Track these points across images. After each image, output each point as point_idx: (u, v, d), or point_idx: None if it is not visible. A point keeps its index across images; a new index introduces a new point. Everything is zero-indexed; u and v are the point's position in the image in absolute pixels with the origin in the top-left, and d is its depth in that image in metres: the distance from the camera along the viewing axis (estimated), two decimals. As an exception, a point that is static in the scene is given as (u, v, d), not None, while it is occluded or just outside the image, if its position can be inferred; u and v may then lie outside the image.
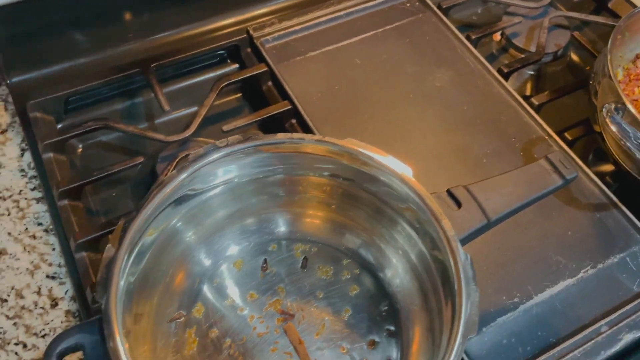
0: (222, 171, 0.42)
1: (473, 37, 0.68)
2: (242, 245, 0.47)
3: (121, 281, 0.34)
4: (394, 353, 0.44)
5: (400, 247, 0.44)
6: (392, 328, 0.45)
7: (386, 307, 0.46)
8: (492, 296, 0.48)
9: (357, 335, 0.45)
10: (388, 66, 0.64)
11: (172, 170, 0.40)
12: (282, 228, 0.48)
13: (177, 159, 0.55)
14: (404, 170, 0.40)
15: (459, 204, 0.40)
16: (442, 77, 0.63)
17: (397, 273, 0.45)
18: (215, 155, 0.40)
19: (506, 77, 0.65)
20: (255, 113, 0.60)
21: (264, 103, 0.62)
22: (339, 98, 0.61)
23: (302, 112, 0.59)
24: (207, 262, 0.46)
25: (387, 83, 0.63)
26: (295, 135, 0.41)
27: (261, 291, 0.47)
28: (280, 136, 0.41)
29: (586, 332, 0.46)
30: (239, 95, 0.66)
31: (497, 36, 0.72)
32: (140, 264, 0.39)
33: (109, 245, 0.36)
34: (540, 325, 0.47)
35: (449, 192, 0.41)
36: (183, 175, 0.39)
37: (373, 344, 0.45)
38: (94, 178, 0.54)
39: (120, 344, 0.32)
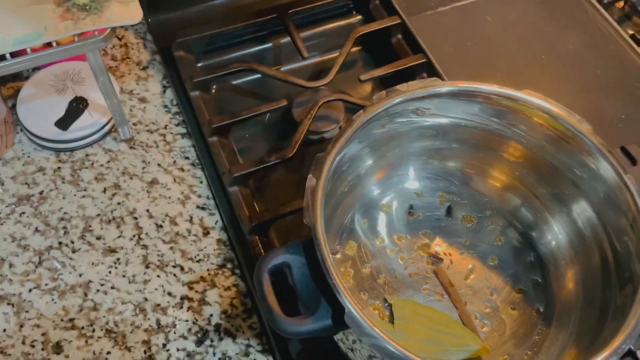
0: (409, 114, 0.44)
1: (605, 0, 0.67)
2: (413, 186, 0.49)
3: (322, 206, 0.37)
4: (542, 303, 0.46)
5: (568, 214, 0.45)
6: (539, 279, 0.47)
7: (532, 259, 0.48)
8: None
9: (504, 283, 0.47)
10: (519, 26, 0.64)
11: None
12: (446, 177, 0.50)
13: (319, 105, 0.57)
14: (584, 125, 0.41)
15: (633, 161, 0.41)
16: (575, 40, 0.63)
17: (554, 235, 0.46)
18: (401, 99, 0.41)
19: (639, 43, 0.64)
20: (391, 64, 0.61)
21: (388, 55, 0.63)
22: (471, 55, 0.62)
23: (437, 66, 0.60)
24: (375, 192, 0.48)
25: (519, 42, 0.63)
26: (473, 83, 0.42)
27: (409, 234, 0.49)
28: (458, 83, 0.42)
29: None
30: (359, 47, 0.67)
31: (621, 3, 0.71)
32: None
33: (310, 175, 0.38)
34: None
35: (622, 149, 0.41)
36: (372, 114, 0.41)
37: (520, 292, 0.47)
38: (242, 117, 0.56)
39: (332, 264, 0.34)
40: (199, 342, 0.48)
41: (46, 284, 0.50)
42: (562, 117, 0.42)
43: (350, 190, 0.47)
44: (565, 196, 0.45)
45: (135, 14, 0.48)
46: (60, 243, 0.52)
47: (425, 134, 0.47)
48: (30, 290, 0.49)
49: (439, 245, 0.49)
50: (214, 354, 0.47)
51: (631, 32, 0.64)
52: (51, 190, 0.54)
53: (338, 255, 0.47)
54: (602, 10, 0.65)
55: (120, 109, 0.54)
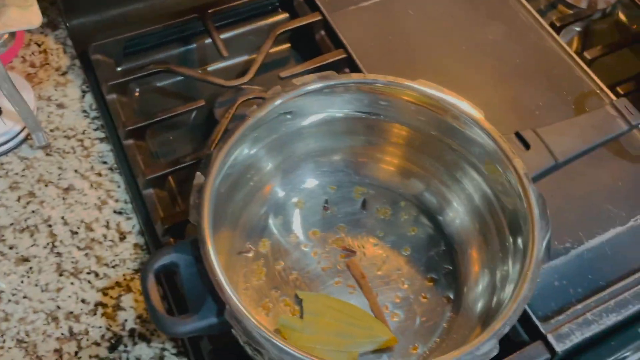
0: (308, 105, 0.44)
1: (526, -10, 0.68)
2: (315, 183, 0.49)
3: (211, 204, 0.36)
4: (452, 290, 0.46)
5: (463, 190, 0.46)
6: (450, 267, 0.47)
7: (444, 248, 0.48)
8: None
9: (416, 272, 0.47)
10: (441, 18, 0.64)
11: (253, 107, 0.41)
12: (346, 170, 0.50)
13: (237, 103, 0.57)
14: (475, 112, 0.41)
15: (527, 146, 0.41)
16: (495, 30, 0.64)
17: (457, 215, 0.46)
18: (308, 88, 0.41)
19: (558, 31, 0.65)
20: (310, 60, 0.61)
21: (314, 52, 0.63)
22: (392, 48, 0.62)
23: (357, 61, 0.60)
24: (277, 195, 0.48)
25: (440, 34, 0.63)
26: (369, 75, 0.43)
27: (323, 229, 0.49)
28: (355, 76, 0.42)
29: (636, 275, 0.48)
30: (288, 45, 0.67)
31: (546, -8, 0.72)
32: (223, 194, 0.41)
33: (198, 173, 0.38)
34: (590, 270, 0.49)
35: (517, 135, 0.42)
36: (267, 109, 0.41)
37: (432, 281, 0.47)
38: (158, 119, 0.55)
39: (215, 261, 0.34)
40: (112, 349, 0.47)
41: (-45, 297, 0.48)
42: (454, 106, 0.42)
43: (255, 190, 0.46)
44: (457, 172, 0.45)
45: (34, 18, 0.47)
46: (-30, 254, 0.50)
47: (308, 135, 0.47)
48: (-63, 304, 0.48)
49: (353, 238, 0.48)
50: (127, 359, 0.47)
51: (552, 20, 0.65)
52: (-37, 200, 0.53)
53: (250, 254, 0.47)
54: (524, 1, 0.66)
55: (31, 115, 0.53)
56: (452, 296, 0.45)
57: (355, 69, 0.60)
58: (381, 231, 0.49)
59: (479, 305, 0.43)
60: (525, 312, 0.46)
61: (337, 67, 0.61)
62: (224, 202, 0.44)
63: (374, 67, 0.60)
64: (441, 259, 0.47)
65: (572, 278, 0.49)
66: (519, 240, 0.39)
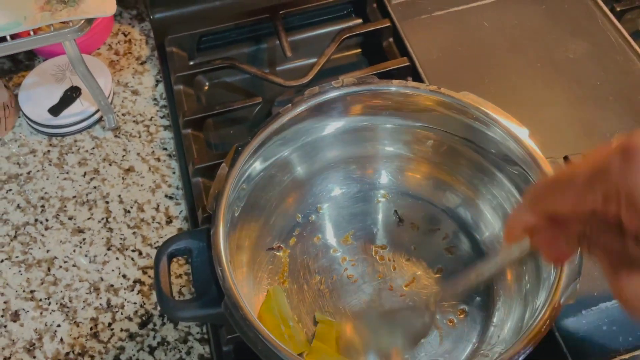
0: (336, 112, 0.43)
1: (618, 9, 0.62)
2: (344, 190, 0.48)
3: (231, 195, 0.37)
4: (480, 315, 0.43)
5: (501, 209, 0.43)
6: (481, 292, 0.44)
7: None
8: (597, 279, 0.46)
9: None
10: (518, 31, 0.61)
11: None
12: (384, 179, 0.49)
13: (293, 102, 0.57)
14: (520, 131, 0.38)
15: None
16: (577, 49, 0.59)
17: (495, 235, 0.44)
18: (332, 95, 0.41)
19: (650, 54, 0.59)
20: (371, 67, 0.60)
21: (381, 59, 0.62)
22: (460, 59, 0.60)
23: (419, 69, 0.58)
24: (309, 199, 0.47)
25: (514, 49, 0.60)
26: (410, 83, 0.41)
27: (356, 237, 0.48)
28: (396, 82, 0.41)
29: (700, 333, 0.43)
30: (359, 51, 0.67)
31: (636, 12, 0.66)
32: (248, 190, 0.41)
33: (223, 164, 0.38)
34: (647, 318, 0.44)
35: (566, 159, 0.39)
36: (296, 110, 0.41)
37: (462, 313, 0.44)
38: (215, 112, 0.57)
39: (223, 251, 0.34)
40: (143, 325, 0.49)
41: (17, 257, 0.53)
42: (498, 122, 0.39)
43: (287, 190, 0.46)
44: (495, 188, 0.43)
45: (108, 7, 0.51)
46: (36, 220, 0.55)
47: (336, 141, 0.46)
48: (2, 261, 0.53)
49: (384, 250, 0.47)
50: (154, 337, 0.48)
51: (643, 42, 0.59)
52: (38, 171, 0.58)
53: (279, 253, 0.47)
54: (613, 19, 0.61)
55: (103, 98, 0.57)
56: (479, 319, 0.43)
57: (417, 77, 0.59)
58: (415, 246, 0.47)
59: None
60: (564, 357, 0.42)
61: (399, 75, 0.60)
62: (259, 196, 0.45)
63: (437, 77, 0.58)
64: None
65: (624, 324, 0.44)
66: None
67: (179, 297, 0.50)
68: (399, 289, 0.45)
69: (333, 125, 0.45)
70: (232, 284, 0.33)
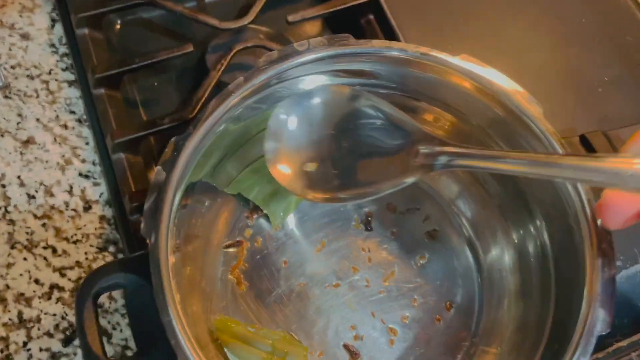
0: (299, 82, 0.34)
1: None
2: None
3: (173, 210, 0.27)
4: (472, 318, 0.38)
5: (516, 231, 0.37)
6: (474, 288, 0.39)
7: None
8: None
9: (430, 288, 0.39)
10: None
11: (238, 78, 0.31)
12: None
13: (233, 52, 0.46)
14: (536, 106, 0.31)
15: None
16: (559, -19, 0.52)
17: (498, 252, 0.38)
18: (295, 61, 0.31)
19: (638, -14, 0.52)
20: (326, 3, 0.49)
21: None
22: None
23: (384, 6, 0.49)
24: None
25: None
26: (395, 43, 0.32)
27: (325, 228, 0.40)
28: (376, 43, 0.32)
29: (699, 312, 0.40)
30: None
31: None
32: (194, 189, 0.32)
33: (158, 168, 0.29)
34: (642, 296, 0.41)
35: (582, 138, 0.32)
36: (250, 85, 0.31)
37: (450, 307, 0.39)
38: (135, 66, 0.46)
39: (170, 296, 0.26)
40: (67, 342, 0.40)
41: None
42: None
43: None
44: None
45: None
46: None
47: None
48: None
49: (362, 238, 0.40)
50: (83, 356, 0.40)
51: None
52: None
53: (234, 249, 0.39)
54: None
55: (-19, 50, 0.44)
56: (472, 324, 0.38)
57: (381, 17, 0.49)
58: (395, 229, 0.40)
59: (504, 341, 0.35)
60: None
61: (359, 12, 0.50)
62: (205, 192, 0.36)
63: (406, 17, 0.49)
64: (461, 276, 0.39)
65: (620, 305, 0.40)
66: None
67: (111, 303, 0.41)
68: (376, 283, 0.38)
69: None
70: (187, 341, 0.25)
